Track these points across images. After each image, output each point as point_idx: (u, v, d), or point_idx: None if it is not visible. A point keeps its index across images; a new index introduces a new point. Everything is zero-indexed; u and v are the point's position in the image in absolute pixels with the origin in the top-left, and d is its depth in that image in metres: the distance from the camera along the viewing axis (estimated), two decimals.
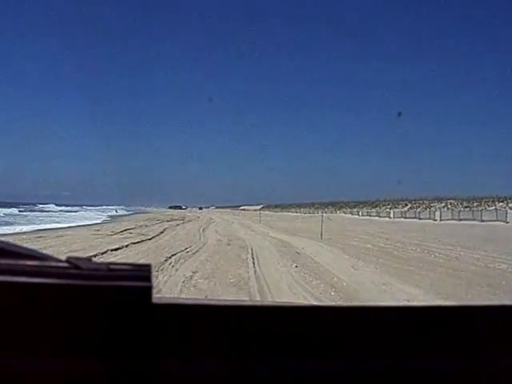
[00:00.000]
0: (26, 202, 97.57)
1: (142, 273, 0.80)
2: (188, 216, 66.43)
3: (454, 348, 0.92)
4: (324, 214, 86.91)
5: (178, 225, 38.84)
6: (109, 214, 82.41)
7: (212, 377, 0.84)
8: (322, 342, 0.88)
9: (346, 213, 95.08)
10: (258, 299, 9.57)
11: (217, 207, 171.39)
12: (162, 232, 28.29)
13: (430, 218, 64.85)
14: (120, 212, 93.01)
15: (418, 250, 21.64)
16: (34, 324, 0.78)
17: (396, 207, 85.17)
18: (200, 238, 24.68)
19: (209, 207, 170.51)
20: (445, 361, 0.91)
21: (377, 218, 76.13)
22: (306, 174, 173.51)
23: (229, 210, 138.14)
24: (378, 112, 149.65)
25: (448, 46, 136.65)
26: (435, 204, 77.48)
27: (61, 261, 0.82)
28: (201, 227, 35.38)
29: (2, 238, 0.97)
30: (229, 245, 21.27)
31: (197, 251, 17.86)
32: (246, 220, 57.44)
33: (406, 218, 70.52)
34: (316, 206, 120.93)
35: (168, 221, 45.91)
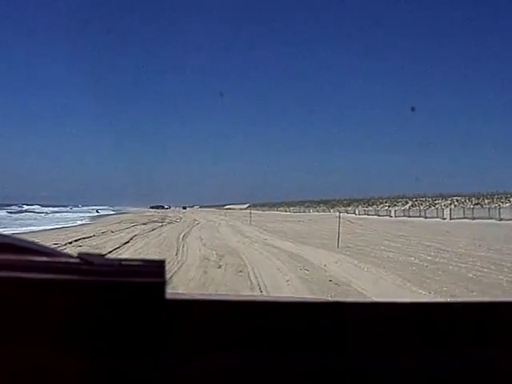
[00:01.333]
0: (10, 203, 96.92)
1: (155, 269, 0.79)
2: (169, 217, 59.18)
3: (453, 344, 0.91)
4: (330, 213, 79.53)
5: (153, 229, 31.62)
6: (91, 214, 79.26)
7: (227, 373, 0.83)
8: (345, 339, 0.87)
9: (340, 211, 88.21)
10: None
11: (201, 206, 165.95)
12: (127, 242, 21.12)
13: (437, 217, 58.13)
14: (102, 212, 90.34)
15: (493, 267, 14.66)
16: (47, 320, 0.76)
17: (395, 205, 78.49)
18: (177, 253, 17.40)
19: (193, 206, 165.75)
20: (443, 357, 0.89)
21: (376, 216, 69.50)
22: (294, 171, 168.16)
23: (214, 209, 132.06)
24: (370, 106, 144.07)
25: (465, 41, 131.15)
26: (439, 201, 70.93)
27: (72, 257, 0.81)
28: (181, 233, 28.19)
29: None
30: (219, 266, 14.12)
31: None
32: (235, 221, 50.26)
33: (409, 216, 63.90)
34: (306, 204, 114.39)
35: (144, 223, 38.65)
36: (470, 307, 1.01)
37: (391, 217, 67.12)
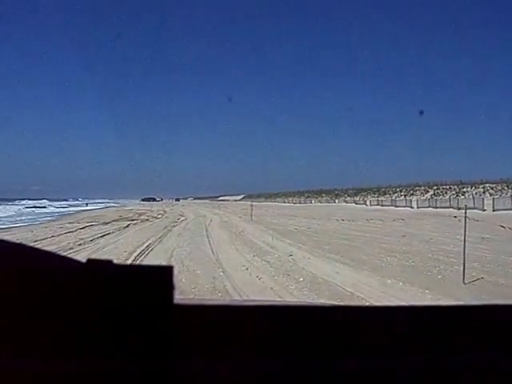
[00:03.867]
0: (15, 198, 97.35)
1: (164, 274, 0.78)
2: (151, 212, 47.70)
3: (451, 347, 0.89)
4: (336, 204, 67.19)
5: (108, 233, 20.16)
6: (73, 209, 71.65)
7: (236, 378, 0.81)
8: (352, 342, 0.86)
9: (347, 202, 76.78)
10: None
11: (195, 198, 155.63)
12: None
13: (475, 208, 46.81)
14: (89, 207, 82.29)
15: None
16: (54, 325, 0.76)
17: (413, 194, 67.17)
18: None
19: (187, 198, 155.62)
20: (443, 359, 0.87)
21: (392, 207, 58.34)
22: (290, 161, 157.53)
23: (207, 201, 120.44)
24: (372, 92, 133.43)
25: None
26: (468, 189, 59.46)
27: (82, 262, 0.79)
28: (146, 241, 16.74)
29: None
30: None
31: None
32: (231, 215, 38.81)
33: (435, 207, 52.66)
34: (306, 194, 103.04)
35: (109, 222, 27.16)
36: (468, 310, 0.99)
37: (412, 208, 55.91)
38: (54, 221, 31.34)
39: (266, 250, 15.21)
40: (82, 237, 18.26)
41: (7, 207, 62.43)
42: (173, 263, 10.28)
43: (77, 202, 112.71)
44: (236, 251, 14.72)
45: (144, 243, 16.28)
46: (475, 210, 44.87)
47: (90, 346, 0.76)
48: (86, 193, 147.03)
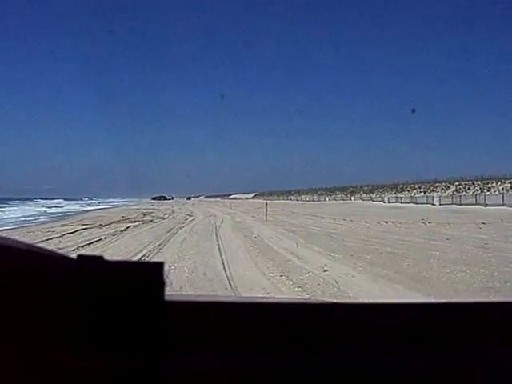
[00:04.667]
0: (27, 197, 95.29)
1: (154, 270, 0.77)
2: (158, 211, 44.44)
3: (451, 344, 0.89)
4: (352, 201, 63.53)
5: (99, 239, 16.75)
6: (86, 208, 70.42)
7: (225, 374, 0.81)
8: (335, 338, 0.87)
9: (363, 199, 73.01)
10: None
11: (206, 196, 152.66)
12: None
13: (503, 204, 42.96)
14: (102, 206, 79.73)
15: None
16: (43, 321, 0.75)
17: (433, 190, 63.28)
18: None
19: (198, 197, 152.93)
20: (440, 357, 0.88)
21: (412, 204, 54.67)
22: (302, 158, 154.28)
23: (219, 199, 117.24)
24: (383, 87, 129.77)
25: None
26: (493, 184, 55.53)
27: (72, 258, 0.78)
28: (138, 254, 13.29)
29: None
30: None
31: None
32: (244, 215, 35.43)
33: (459, 204, 48.92)
34: (319, 192, 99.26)
35: (103, 225, 23.82)
36: (469, 308, 0.97)
37: (434, 205, 52.20)
38: (45, 223, 28.03)
39: (293, 262, 11.79)
40: (67, 244, 15.00)
41: (27, 207, 61.06)
42: (167, 290, 6.97)
43: (91, 202, 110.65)
44: (254, 266, 11.32)
45: (137, 254, 12.91)
46: (503, 207, 41.26)
47: (80, 342, 0.75)
48: (100, 192, 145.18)
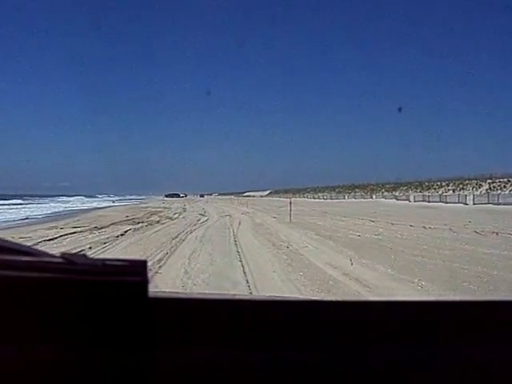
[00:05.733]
0: (42, 195, 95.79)
1: (138, 268, 0.78)
2: (168, 210, 40.40)
3: (452, 342, 0.89)
4: (374, 200, 58.82)
5: (82, 250, 12.62)
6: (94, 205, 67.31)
7: (209, 370, 0.82)
8: (323, 335, 0.88)
9: (386, 197, 68.41)
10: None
11: (220, 194, 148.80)
12: None
13: None
14: (116, 203, 77.76)
15: None
16: (29, 319, 0.75)
17: (463, 188, 58.54)
18: None
19: (211, 194, 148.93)
20: (445, 353, 0.88)
21: (442, 204, 50.14)
22: (318, 155, 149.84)
23: (232, 196, 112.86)
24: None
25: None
26: None
27: (55, 256, 0.79)
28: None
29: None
30: None
31: None
32: (263, 215, 31.23)
33: (497, 203, 44.28)
34: (337, 189, 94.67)
35: (99, 228, 19.75)
36: (470, 306, 0.98)
37: (467, 204, 47.60)
38: (34, 224, 23.97)
39: (356, 294, 7.58)
40: None
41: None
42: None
43: (108, 199, 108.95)
44: None
45: None
46: None
47: (65, 339, 0.75)
48: (118, 189, 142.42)
